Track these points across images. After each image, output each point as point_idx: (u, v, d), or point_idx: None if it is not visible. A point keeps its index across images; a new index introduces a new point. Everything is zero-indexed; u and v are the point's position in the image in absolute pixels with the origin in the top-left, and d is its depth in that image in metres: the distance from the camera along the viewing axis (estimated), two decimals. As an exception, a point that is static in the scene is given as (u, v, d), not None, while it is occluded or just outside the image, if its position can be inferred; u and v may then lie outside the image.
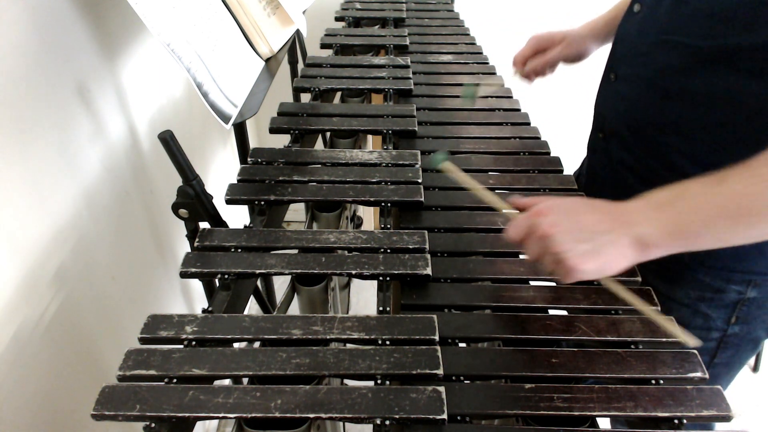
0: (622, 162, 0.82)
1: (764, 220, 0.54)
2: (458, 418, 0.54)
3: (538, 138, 0.98)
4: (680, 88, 0.71)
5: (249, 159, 0.88)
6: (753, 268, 0.74)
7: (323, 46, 1.30)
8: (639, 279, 0.70)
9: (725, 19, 0.64)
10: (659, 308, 0.67)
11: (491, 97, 1.11)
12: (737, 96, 0.66)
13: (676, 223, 0.56)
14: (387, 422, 0.52)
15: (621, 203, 0.59)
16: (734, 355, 0.82)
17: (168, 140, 0.71)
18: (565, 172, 0.92)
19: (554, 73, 1.00)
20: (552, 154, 0.95)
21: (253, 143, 1.14)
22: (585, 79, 1.02)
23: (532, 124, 1.02)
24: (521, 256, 0.74)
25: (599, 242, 0.57)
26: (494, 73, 1.20)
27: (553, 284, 0.70)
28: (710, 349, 0.81)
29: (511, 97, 1.11)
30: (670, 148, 0.74)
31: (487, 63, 1.25)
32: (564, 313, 0.66)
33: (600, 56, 0.92)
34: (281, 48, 1.12)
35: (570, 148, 1.13)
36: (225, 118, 0.85)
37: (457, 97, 1.11)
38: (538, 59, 0.96)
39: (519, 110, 1.07)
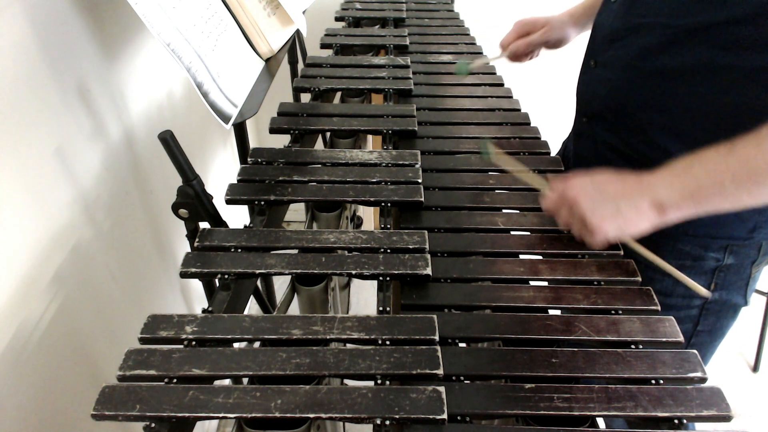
0: (606, 143, 0.86)
1: None
2: (458, 418, 0.54)
3: (538, 138, 0.98)
4: (657, 67, 0.74)
5: (249, 159, 0.88)
6: (732, 234, 0.78)
7: (323, 46, 1.30)
8: (639, 279, 0.70)
9: None
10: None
11: (489, 95, 1.11)
12: (712, 69, 0.69)
13: (691, 186, 0.62)
14: (387, 422, 0.52)
15: (644, 174, 0.66)
16: (716, 322, 0.86)
17: (168, 140, 0.71)
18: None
19: (537, 57, 1.08)
20: (546, 147, 0.96)
21: (253, 143, 1.14)
22: (565, 67, 1.07)
23: (532, 124, 1.02)
24: (521, 255, 0.74)
25: (620, 204, 0.64)
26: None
27: (553, 284, 0.70)
28: (693, 317, 0.85)
29: (511, 97, 1.11)
30: (651, 125, 0.78)
31: (487, 63, 1.25)
32: (559, 312, 0.66)
33: (579, 46, 0.96)
34: (281, 48, 1.12)
35: (549, 125, 1.16)
36: (225, 118, 0.85)
37: (459, 97, 1.11)
38: (521, 41, 1.03)
39: (519, 110, 1.07)
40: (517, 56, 1.05)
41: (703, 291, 0.68)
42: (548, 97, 1.79)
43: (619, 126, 0.83)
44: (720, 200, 0.62)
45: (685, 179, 0.62)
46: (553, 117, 1.38)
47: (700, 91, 0.71)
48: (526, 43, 1.03)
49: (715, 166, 0.61)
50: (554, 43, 1.03)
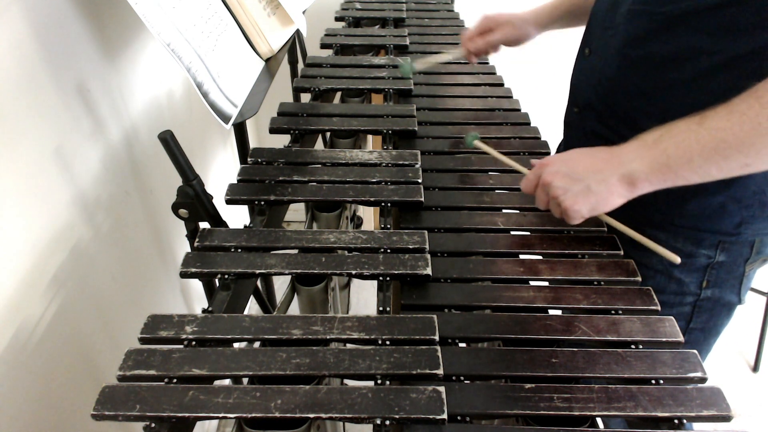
0: (595, 133, 0.86)
1: (737, 150, 0.59)
2: (458, 418, 0.54)
3: (538, 138, 0.98)
4: (646, 54, 0.75)
5: (249, 159, 0.88)
6: (720, 228, 0.78)
7: (323, 46, 1.30)
8: (639, 279, 0.70)
9: None
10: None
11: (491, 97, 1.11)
12: (699, 55, 0.70)
13: (660, 158, 0.62)
14: (387, 422, 0.52)
15: (615, 147, 0.67)
16: (709, 320, 0.86)
17: (168, 140, 0.71)
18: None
19: (496, 53, 1.07)
20: (546, 147, 0.96)
21: (253, 143, 1.14)
22: (566, 67, 1.06)
23: (532, 124, 1.02)
24: (521, 255, 0.74)
25: (590, 182, 0.65)
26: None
27: (553, 284, 0.70)
28: (685, 314, 0.85)
29: (511, 97, 1.11)
30: (640, 113, 0.78)
31: (487, 63, 1.25)
32: (559, 312, 0.66)
33: (576, 35, 0.95)
34: (281, 48, 1.12)
35: (550, 126, 1.15)
36: (225, 118, 0.85)
37: (459, 97, 1.11)
38: (480, 39, 1.03)
39: (519, 110, 1.07)
40: (475, 54, 1.05)
41: (673, 257, 0.68)
42: (549, 96, 1.79)
43: (609, 115, 0.83)
44: (689, 173, 0.62)
45: (654, 152, 0.63)
46: (555, 117, 1.38)
47: (686, 78, 0.72)
48: (486, 42, 1.03)
49: (684, 139, 0.61)
50: (513, 42, 1.03)
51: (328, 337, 0.60)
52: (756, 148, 0.59)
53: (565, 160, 0.69)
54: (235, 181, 0.83)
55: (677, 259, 0.67)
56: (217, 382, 0.57)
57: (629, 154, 0.65)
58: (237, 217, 0.98)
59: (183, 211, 0.77)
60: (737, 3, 0.65)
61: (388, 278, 0.68)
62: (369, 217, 1.84)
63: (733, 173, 0.61)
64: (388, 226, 0.78)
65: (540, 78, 1.82)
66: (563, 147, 0.98)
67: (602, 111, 0.84)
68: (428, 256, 0.71)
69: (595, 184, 0.65)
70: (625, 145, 0.66)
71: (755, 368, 1.84)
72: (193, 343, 0.60)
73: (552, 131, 1.12)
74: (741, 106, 0.59)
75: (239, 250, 0.71)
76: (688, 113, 0.66)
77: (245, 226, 0.77)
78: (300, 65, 1.29)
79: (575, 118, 0.91)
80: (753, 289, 1.79)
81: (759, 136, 0.58)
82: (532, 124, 1.02)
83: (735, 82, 0.66)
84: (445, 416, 0.52)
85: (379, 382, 0.56)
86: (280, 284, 1.75)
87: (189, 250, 0.74)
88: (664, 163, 0.62)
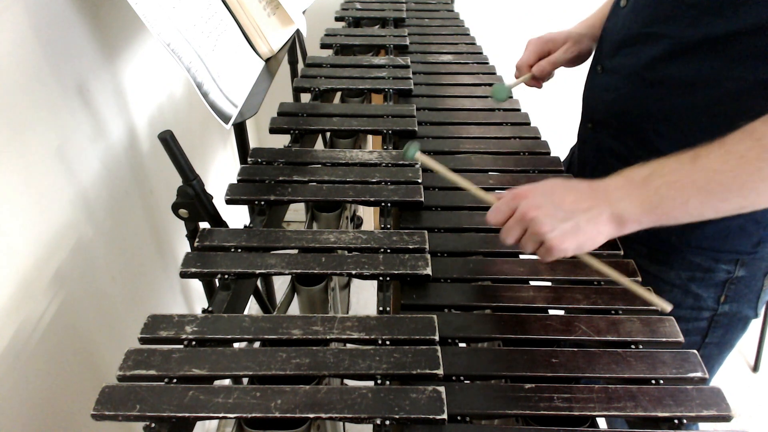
0: (610, 150, 0.84)
1: (737, 194, 0.56)
2: (458, 418, 0.54)
3: (538, 138, 0.98)
4: (663, 77, 0.73)
5: (249, 159, 0.88)
6: (738, 248, 0.76)
7: (323, 46, 1.30)
8: (639, 279, 0.70)
9: (709, 8, 0.66)
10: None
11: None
12: (719, 81, 0.68)
13: (652, 199, 0.58)
14: (387, 422, 0.52)
15: (599, 181, 0.62)
16: (725, 335, 0.85)
17: (168, 140, 0.71)
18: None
19: (553, 77, 0.98)
20: (546, 147, 0.96)
21: (253, 143, 1.14)
22: (571, 72, 1.03)
23: (532, 124, 1.02)
24: (521, 255, 0.74)
25: (579, 220, 0.59)
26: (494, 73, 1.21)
27: (553, 284, 0.70)
28: (701, 329, 0.84)
29: (511, 96, 1.11)
30: (656, 135, 0.76)
31: (487, 63, 1.25)
32: (560, 312, 0.66)
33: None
34: (281, 48, 1.12)
35: (558, 136, 1.14)
36: (225, 118, 0.85)
37: (459, 97, 1.11)
38: (545, 62, 0.93)
39: (519, 110, 1.07)
40: (538, 79, 0.96)
41: (667, 307, 0.63)
42: (556, 103, 1.78)
43: (624, 133, 0.81)
44: (682, 214, 0.58)
45: (645, 192, 0.58)
46: (562, 122, 1.37)
47: (705, 103, 0.70)
48: (551, 63, 0.92)
49: (678, 179, 0.57)
50: (577, 59, 0.94)
51: (328, 337, 0.60)
52: (756, 192, 0.55)
53: (545, 192, 0.62)
54: (235, 181, 0.83)
55: (668, 308, 0.63)
56: (217, 382, 0.57)
57: (617, 191, 0.60)
58: (237, 217, 0.98)
59: (183, 211, 0.77)
60: (760, 30, 0.62)
61: (388, 278, 0.68)
62: (369, 217, 1.84)
63: (726, 215, 0.58)
64: (388, 226, 0.78)
65: (546, 82, 1.82)
66: (576, 161, 0.96)
67: (617, 128, 0.82)
68: (428, 256, 0.71)
69: (584, 222, 0.59)
70: (609, 181, 0.61)
71: (755, 368, 1.84)
72: (193, 343, 0.60)
73: (552, 131, 1.12)
74: (739, 147, 0.55)
75: (239, 250, 0.71)
76: (707, 138, 0.61)
77: (245, 226, 0.77)
78: (300, 65, 1.29)
79: (589, 134, 0.89)
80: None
81: (760, 180, 0.55)
82: (532, 125, 1.02)
83: (757, 109, 0.65)
84: (445, 416, 0.52)
85: (379, 382, 0.56)
86: (280, 284, 1.75)
87: (189, 250, 0.74)
88: (657, 205, 0.58)
